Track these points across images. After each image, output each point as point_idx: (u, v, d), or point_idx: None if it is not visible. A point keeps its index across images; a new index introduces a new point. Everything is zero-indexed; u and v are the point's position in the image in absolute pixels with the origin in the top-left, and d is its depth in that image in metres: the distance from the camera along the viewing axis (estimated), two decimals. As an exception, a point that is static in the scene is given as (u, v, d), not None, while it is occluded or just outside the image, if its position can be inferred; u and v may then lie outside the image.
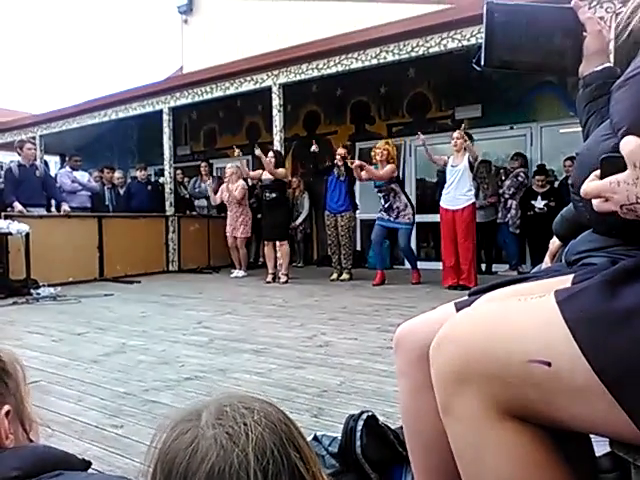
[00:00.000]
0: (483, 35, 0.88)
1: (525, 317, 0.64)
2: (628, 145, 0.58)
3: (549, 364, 0.58)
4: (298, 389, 2.12)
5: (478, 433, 0.64)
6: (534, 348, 0.60)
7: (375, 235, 5.84)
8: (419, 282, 5.65)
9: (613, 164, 0.59)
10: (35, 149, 6.75)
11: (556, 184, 6.40)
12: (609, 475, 0.71)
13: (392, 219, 5.68)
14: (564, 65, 0.90)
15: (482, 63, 0.89)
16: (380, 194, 5.73)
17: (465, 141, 5.19)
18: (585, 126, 0.91)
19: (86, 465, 0.70)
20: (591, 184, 0.61)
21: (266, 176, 6.17)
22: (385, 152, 5.66)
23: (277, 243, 6.15)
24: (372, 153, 5.85)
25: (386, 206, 5.71)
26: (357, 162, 5.75)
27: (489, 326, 0.65)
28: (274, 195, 6.15)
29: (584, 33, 0.88)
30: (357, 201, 6.41)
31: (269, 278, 6.12)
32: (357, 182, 6.34)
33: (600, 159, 0.62)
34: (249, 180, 7.36)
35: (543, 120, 6.82)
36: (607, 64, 0.87)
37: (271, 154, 6.15)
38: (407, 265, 6.19)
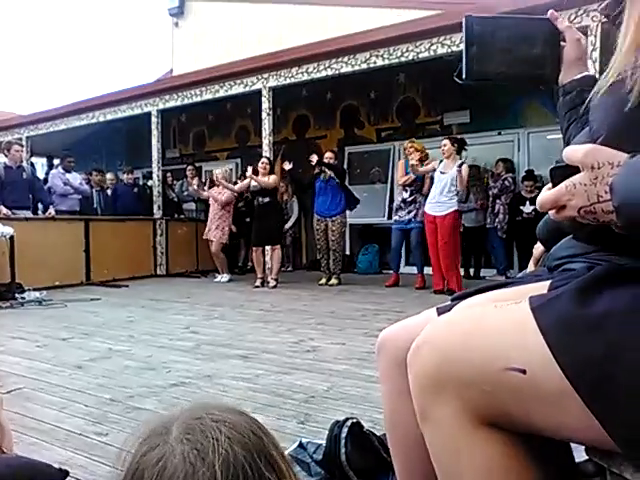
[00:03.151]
0: (463, 49, 0.89)
1: (501, 323, 0.64)
2: (576, 153, 0.58)
3: (524, 372, 0.58)
4: (285, 395, 2.11)
5: (455, 440, 0.64)
6: (509, 355, 0.60)
7: (395, 243, 5.94)
8: (423, 287, 5.63)
9: (562, 173, 0.60)
10: (22, 150, 6.68)
11: (544, 189, 6.45)
12: None
13: (411, 218, 5.74)
14: (544, 74, 0.91)
15: (463, 76, 0.90)
16: (407, 187, 5.77)
17: (455, 151, 5.26)
18: (566, 133, 0.92)
19: (63, 475, 0.69)
20: (546, 194, 0.61)
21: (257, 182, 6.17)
22: (418, 154, 5.62)
23: (268, 247, 6.15)
24: (409, 157, 5.77)
25: (409, 199, 5.76)
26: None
27: (466, 332, 0.65)
28: (267, 199, 6.15)
29: (562, 43, 0.89)
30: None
31: (258, 283, 6.10)
32: (347, 180, 6.34)
33: (549, 170, 0.62)
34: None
35: (531, 126, 6.90)
36: (586, 72, 0.89)
37: (265, 161, 6.17)
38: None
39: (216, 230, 6.62)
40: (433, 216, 5.30)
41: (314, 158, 6.10)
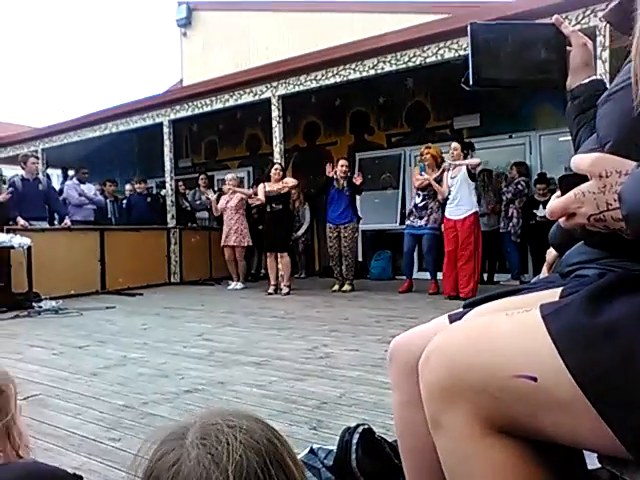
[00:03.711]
0: (469, 55, 0.89)
1: (511, 331, 0.64)
2: (584, 161, 0.58)
3: (535, 379, 0.58)
4: (298, 401, 2.12)
5: (466, 448, 0.64)
6: (520, 362, 0.60)
7: (407, 247, 5.92)
8: (437, 292, 5.60)
9: (571, 181, 0.60)
10: (38, 163, 6.80)
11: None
12: None
13: (422, 224, 5.71)
14: (551, 79, 0.91)
15: (470, 83, 0.90)
16: (420, 191, 5.76)
17: (463, 156, 5.24)
18: (576, 138, 0.91)
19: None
20: (555, 202, 0.62)
21: (272, 188, 6.22)
22: (432, 158, 5.65)
23: (278, 255, 6.18)
24: (422, 160, 5.84)
25: (420, 205, 5.73)
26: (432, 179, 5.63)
27: (477, 340, 0.65)
28: (280, 207, 6.20)
29: (568, 47, 0.89)
30: (359, 213, 6.47)
31: (271, 289, 6.12)
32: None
33: (558, 179, 0.62)
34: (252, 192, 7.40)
35: (542, 128, 6.84)
36: (594, 76, 0.89)
37: (278, 167, 6.27)
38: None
39: (235, 234, 6.62)
40: (453, 220, 5.22)
41: (358, 180, 6.05)
